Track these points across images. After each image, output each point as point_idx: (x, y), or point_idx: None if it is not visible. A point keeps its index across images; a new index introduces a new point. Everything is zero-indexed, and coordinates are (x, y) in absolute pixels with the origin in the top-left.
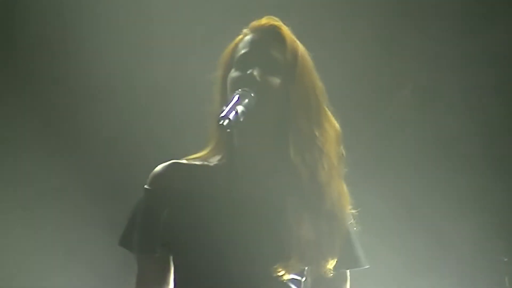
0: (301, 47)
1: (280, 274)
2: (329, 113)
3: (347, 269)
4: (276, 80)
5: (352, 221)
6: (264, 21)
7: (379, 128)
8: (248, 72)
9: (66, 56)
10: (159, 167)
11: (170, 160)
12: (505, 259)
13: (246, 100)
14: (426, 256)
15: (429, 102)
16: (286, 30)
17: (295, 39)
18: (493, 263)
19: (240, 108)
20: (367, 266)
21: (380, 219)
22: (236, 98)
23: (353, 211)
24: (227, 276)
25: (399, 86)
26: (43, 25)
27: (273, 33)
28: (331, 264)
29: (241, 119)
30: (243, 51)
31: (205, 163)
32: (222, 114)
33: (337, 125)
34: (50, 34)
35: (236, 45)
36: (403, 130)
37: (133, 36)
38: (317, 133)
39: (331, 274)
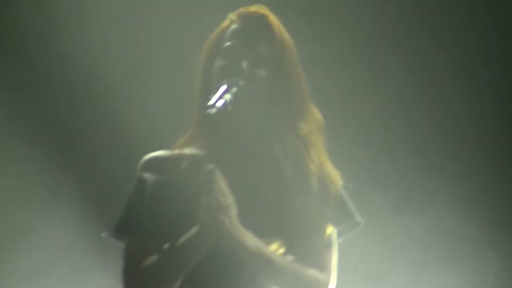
0: (288, 38)
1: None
2: (311, 106)
3: (342, 224)
4: (262, 73)
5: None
6: (252, 9)
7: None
8: (236, 63)
9: (59, 53)
10: (149, 156)
11: (158, 150)
12: (491, 254)
13: (235, 89)
14: (410, 249)
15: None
16: (274, 20)
17: (283, 29)
18: (478, 258)
19: (228, 97)
20: (360, 221)
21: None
22: (224, 87)
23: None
24: (218, 261)
25: (387, 81)
26: (38, 23)
27: (261, 23)
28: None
29: (229, 108)
30: (229, 43)
31: (189, 151)
32: (210, 103)
33: (320, 118)
34: (45, 33)
35: (223, 32)
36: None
37: (127, 34)
38: (300, 125)
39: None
